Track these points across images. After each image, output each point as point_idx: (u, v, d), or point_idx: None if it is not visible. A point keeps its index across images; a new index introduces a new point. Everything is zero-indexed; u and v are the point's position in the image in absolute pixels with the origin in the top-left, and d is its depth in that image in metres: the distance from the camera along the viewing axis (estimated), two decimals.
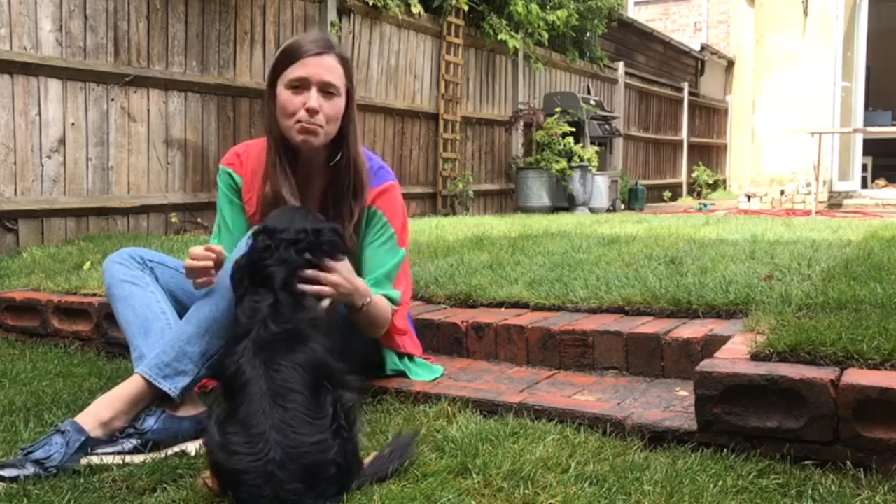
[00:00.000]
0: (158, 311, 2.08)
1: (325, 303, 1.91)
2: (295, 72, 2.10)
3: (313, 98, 2.09)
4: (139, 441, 1.84)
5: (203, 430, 1.60)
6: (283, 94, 2.12)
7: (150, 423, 1.87)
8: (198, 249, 1.97)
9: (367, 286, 2.09)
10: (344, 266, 1.98)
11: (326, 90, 2.12)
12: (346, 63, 2.19)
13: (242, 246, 1.95)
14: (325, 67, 2.12)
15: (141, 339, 2.03)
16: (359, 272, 2.17)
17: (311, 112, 2.09)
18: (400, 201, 2.32)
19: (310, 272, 1.87)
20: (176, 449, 1.88)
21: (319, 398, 1.62)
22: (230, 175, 2.29)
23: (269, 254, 1.81)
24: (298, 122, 2.10)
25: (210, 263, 1.96)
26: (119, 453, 1.80)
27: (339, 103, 2.15)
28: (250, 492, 1.50)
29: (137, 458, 1.81)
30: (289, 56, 2.13)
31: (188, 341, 1.92)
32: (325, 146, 2.19)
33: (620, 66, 12.47)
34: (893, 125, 12.24)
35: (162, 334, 2.02)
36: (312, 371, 1.64)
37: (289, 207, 2.05)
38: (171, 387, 1.90)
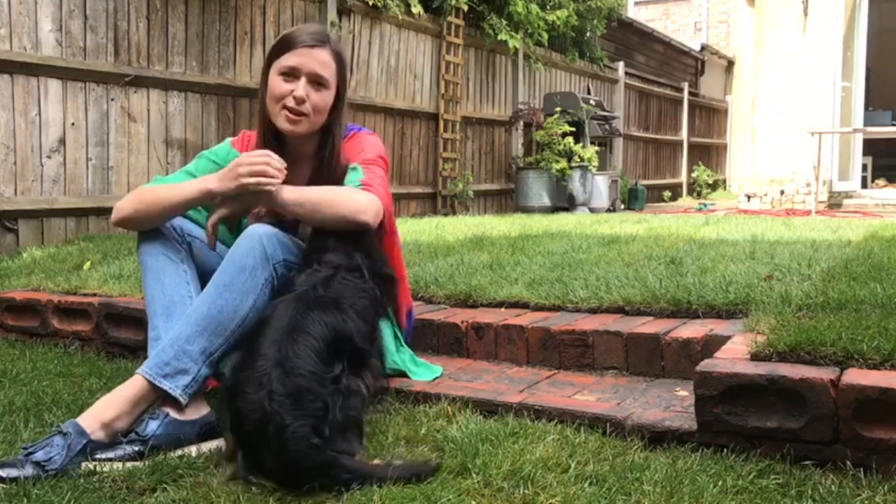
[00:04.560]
0: (185, 295, 2.06)
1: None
2: (288, 60, 2.15)
3: (301, 87, 2.13)
4: (141, 447, 1.82)
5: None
6: (274, 79, 2.16)
7: (152, 427, 1.85)
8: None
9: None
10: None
11: (316, 81, 2.15)
12: (339, 58, 2.21)
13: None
14: (318, 60, 2.15)
15: (162, 319, 2.02)
16: None
17: (298, 100, 2.13)
18: (366, 141, 2.28)
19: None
20: (178, 452, 1.87)
21: (332, 360, 1.71)
22: (229, 151, 2.31)
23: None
24: (284, 108, 2.14)
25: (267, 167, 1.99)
26: (119, 459, 1.79)
27: (327, 96, 2.19)
28: (244, 398, 1.63)
29: (138, 465, 1.80)
30: (285, 44, 2.17)
31: (187, 340, 1.92)
32: (312, 138, 2.22)
33: (620, 66, 12.47)
34: (893, 125, 12.24)
35: (180, 320, 2.01)
36: (335, 336, 1.75)
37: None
38: (173, 386, 1.89)
